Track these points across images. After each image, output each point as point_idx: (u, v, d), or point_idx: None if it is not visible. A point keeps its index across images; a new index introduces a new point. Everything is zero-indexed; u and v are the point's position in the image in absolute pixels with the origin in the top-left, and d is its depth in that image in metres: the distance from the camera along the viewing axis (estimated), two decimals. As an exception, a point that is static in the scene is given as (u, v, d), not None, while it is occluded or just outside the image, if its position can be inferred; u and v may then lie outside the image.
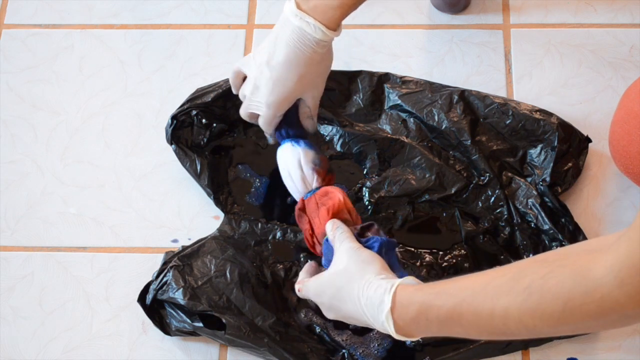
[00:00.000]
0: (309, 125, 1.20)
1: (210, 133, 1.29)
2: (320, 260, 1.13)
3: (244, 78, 1.20)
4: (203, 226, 1.25)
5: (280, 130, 1.20)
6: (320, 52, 1.12)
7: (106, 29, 1.42)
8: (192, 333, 1.16)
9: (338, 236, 1.07)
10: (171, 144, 1.28)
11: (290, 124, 1.19)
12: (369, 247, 1.05)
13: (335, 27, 1.11)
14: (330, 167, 1.19)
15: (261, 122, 1.19)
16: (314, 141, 1.21)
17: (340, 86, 1.32)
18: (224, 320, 1.12)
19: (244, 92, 1.19)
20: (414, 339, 0.99)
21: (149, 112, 1.35)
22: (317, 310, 1.13)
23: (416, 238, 1.22)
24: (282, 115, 1.18)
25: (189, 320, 1.14)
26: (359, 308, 0.99)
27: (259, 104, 1.17)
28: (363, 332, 1.14)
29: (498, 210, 1.23)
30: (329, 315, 1.05)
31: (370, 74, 1.33)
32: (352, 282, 1.00)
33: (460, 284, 0.91)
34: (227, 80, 1.31)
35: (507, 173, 1.25)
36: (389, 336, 0.98)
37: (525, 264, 0.88)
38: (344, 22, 1.13)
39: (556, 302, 0.83)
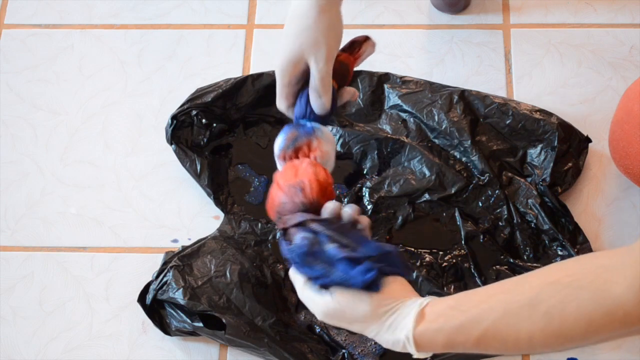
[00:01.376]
0: (315, 102, 1.03)
1: (210, 133, 1.29)
2: None
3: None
4: (203, 226, 1.25)
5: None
6: (317, 4, 1.01)
7: (106, 29, 1.42)
8: (192, 333, 1.16)
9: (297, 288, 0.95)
10: (171, 144, 1.28)
11: (298, 111, 1.05)
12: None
13: None
14: (293, 140, 1.03)
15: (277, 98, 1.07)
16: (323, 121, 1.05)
17: (340, 86, 1.32)
18: (224, 320, 1.12)
19: None
20: None
21: (149, 112, 1.35)
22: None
23: (416, 238, 1.22)
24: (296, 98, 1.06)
25: (189, 320, 1.14)
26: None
27: None
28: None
29: (498, 210, 1.23)
30: None
31: (370, 74, 1.32)
32: (357, 326, 0.92)
33: (476, 313, 0.87)
34: (227, 80, 1.31)
35: (507, 173, 1.25)
36: None
37: (537, 285, 0.85)
38: (344, 21, 1.11)
39: (579, 325, 0.82)
